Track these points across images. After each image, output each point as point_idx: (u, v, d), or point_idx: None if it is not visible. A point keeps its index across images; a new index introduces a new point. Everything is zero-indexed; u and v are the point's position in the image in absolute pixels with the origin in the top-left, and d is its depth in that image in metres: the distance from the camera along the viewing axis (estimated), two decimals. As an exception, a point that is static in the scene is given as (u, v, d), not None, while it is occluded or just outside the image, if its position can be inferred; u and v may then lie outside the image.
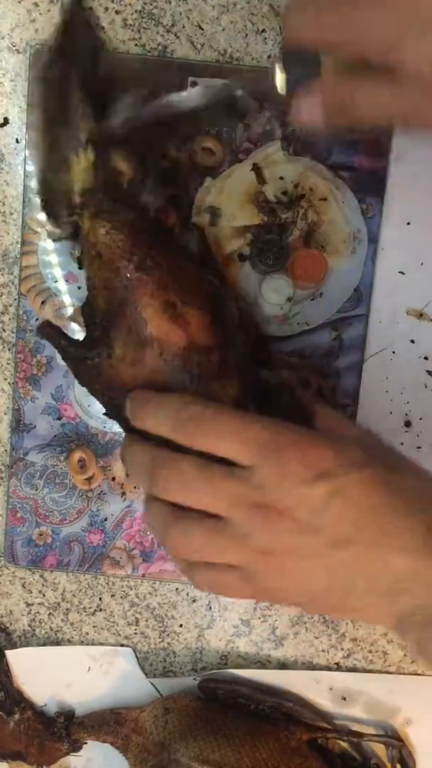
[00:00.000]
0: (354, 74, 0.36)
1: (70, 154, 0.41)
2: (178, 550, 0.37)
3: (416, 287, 0.51)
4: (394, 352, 0.51)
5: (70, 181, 0.41)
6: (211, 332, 0.40)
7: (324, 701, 0.54)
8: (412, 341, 0.51)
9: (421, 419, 0.52)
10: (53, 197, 0.42)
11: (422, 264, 0.50)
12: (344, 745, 0.53)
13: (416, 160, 0.50)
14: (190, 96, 0.41)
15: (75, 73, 0.41)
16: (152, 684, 0.55)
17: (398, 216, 0.50)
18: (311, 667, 0.55)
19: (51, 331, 0.45)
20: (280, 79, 0.40)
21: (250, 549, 0.36)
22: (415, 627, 0.36)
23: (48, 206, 0.43)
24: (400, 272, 0.50)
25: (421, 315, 0.51)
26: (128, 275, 0.40)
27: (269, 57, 0.48)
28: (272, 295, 0.50)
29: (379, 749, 0.53)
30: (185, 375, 0.40)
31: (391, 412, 0.52)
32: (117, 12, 0.48)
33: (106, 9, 0.48)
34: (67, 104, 0.41)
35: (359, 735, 0.53)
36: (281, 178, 0.49)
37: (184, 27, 0.48)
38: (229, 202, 0.50)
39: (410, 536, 0.35)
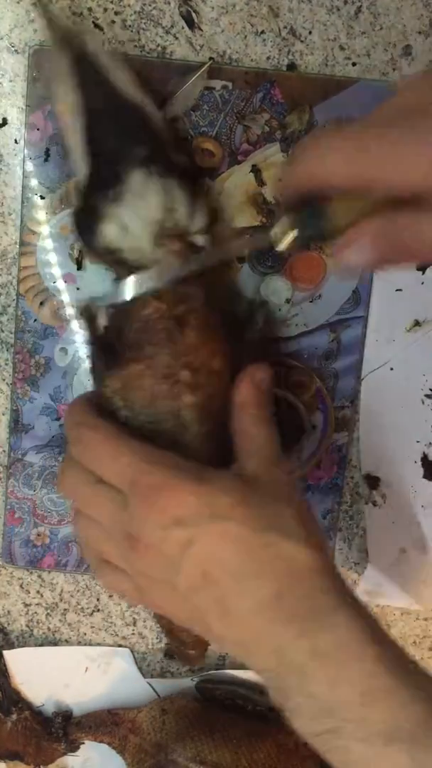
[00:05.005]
0: (385, 212, 0.34)
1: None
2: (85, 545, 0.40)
3: (415, 287, 0.51)
4: (392, 352, 0.51)
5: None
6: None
7: (321, 702, 0.54)
8: (411, 341, 0.51)
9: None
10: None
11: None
12: (341, 745, 0.53)
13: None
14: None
15: None
16: (150, 684, 0.55)
17: (397, 218, 0.50)
18: (309, 667, 0.55)
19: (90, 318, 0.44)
20: (289, 236, 0.38)
21: (131, 568, 0.37)
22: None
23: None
24: (398, 272, 0.51)
25: (420, 319, 0.51)
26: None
27: (268, 59, 0.48)
28: (271, 296, 0.50)
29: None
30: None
31: (388, 411, 0.52)
32: (116, 13, 0.48)
33: (105, 10, 0.47)
34: None
35: (356, 736, 0.53)
36: (280, 179, 0.49)
37: (183, 28, 0.48)
38: (228, 203, 0.50)
39: (253, 600, 0.35)
